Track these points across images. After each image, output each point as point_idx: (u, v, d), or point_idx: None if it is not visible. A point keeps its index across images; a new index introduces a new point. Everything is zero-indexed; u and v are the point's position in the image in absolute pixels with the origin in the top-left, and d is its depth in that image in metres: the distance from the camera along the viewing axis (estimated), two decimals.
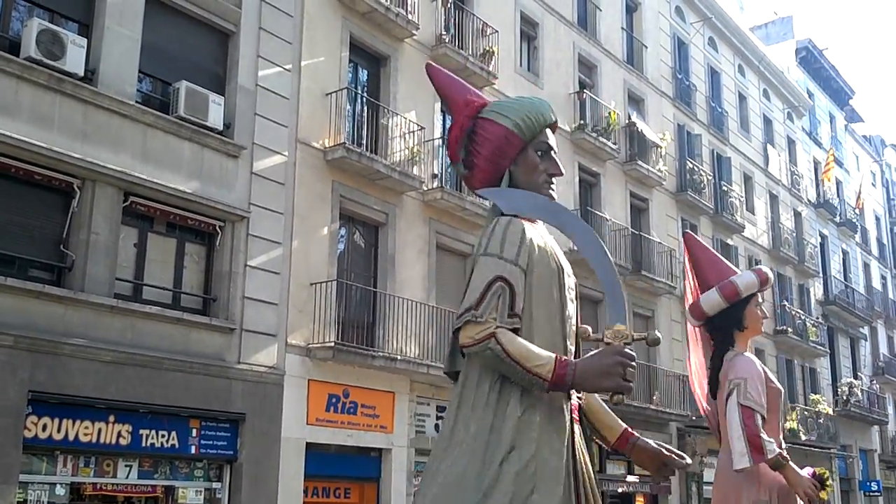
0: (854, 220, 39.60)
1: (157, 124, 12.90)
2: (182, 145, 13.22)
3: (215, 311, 13.55)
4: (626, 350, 2.48)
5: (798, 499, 4.16)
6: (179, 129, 13.11)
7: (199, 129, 13.35)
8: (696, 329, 4.80)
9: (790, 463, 4.14)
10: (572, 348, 2.75)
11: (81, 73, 12.01)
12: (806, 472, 4.22)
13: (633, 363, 2.44)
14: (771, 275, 4.76)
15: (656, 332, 2.43)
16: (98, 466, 11.85)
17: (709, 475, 24.81)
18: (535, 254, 2.70)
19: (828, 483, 4.20)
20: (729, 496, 4.31)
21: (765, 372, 4.44)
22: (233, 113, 14.14)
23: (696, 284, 4.79)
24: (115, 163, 12.17)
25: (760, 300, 4.64)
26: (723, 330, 4.57)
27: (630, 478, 22.21)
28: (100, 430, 11.72)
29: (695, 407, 24.35)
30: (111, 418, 11.84)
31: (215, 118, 13.62)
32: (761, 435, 4.10)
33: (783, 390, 4.44)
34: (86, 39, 12.23)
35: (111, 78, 12.47)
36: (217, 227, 13.70)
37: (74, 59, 11.85)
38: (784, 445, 4.35)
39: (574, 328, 2.78)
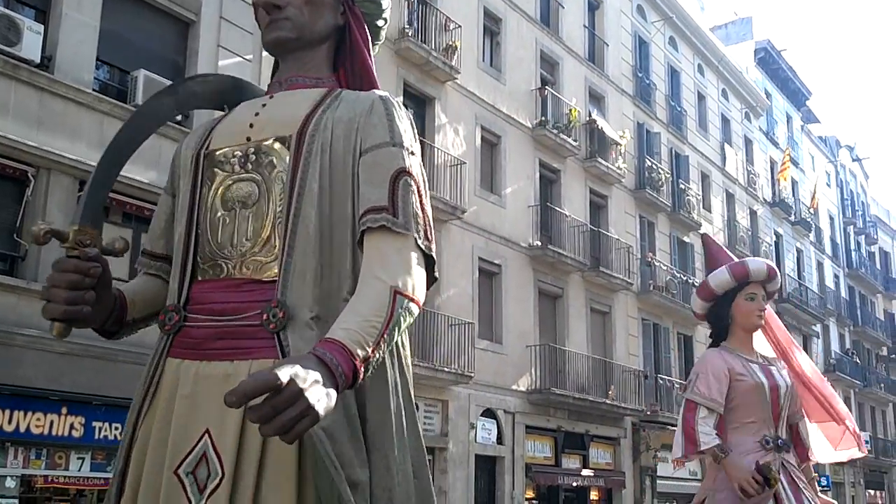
0: (808, 220, 40.29)
1: (115, 113, 12.73)
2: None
3: None
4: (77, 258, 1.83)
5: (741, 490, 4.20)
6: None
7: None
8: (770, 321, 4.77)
9: (729, 456, 4.17)
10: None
11: (38, 60, 11.82)
12: (748, 464, 4.21)
13: (94, 268, 1.82)
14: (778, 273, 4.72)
15: (122, 238, 1.91)
16: (49, 459, 11.73)
17: (662, 469, 25.18)
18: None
19: (772, 476, 4.26)
20: (704, 485, 4.45)
21: (747, 367, 4.41)
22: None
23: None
24: (71, 151, 12.00)
25: (762, 295, 4.57)
26: (716, 325, 4.61)
27: (585, 471, 22.44)
28: (52, 422, 11.60)
29: (649, 401, 24.69)
30: (63, 410, 11.71)
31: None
32: (696, 427, 4.19)
33: (766, 383, 4.42)
34: (42, 26, 12.03)
35: (68, 65, 12.29)
36: None
37: (30, 45, 11.65)
38: (783, 437, 4.38)
39: None
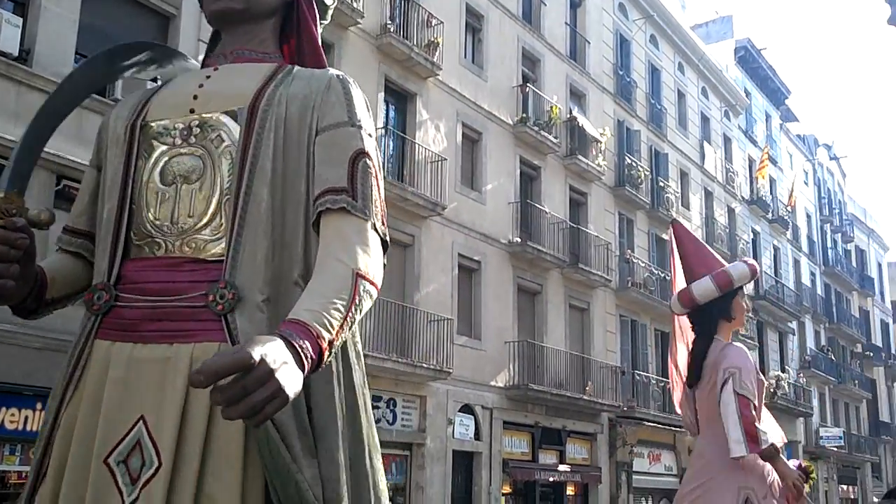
0: (786, 218, 40.60)
1: (93, 107, 12.56)
2: None
3: None
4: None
5: (779, 489, 4.21)
6: None
7: None
8: (680, 318, 4.81)
9: (780, 454, 4.19)
10: None
11: (16, 53, 11.76)
12: (792, 464, 4.28)
13: (21, 239, 1.71)
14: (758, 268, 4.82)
15: (48, 210, 1.79)
16: (24, 455, 11.67)
17: (638, 465, 25.37)
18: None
19: (812, 476, 4.28)
20: (715, 482, 4.29)
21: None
22: None
23: (683, 272, 4.80)
24: (48, 145, 11.83)
25: (745, 292, 4.69)
26: (709, 319, 4.59)
27: (562, 467, 22.58)
28: (26, 418, 11.56)
29: (626, 397, 24.84)
30: (38, 406, 11.66)
31: None
32: (757, 424, 4.14)
33: (766, 382, 4.53)
34: (21, 19, 11.96)
35: (46, 58, 12.20)
36: None
37: (9, 38, 11.59)
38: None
39: None
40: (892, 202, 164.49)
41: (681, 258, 4.86)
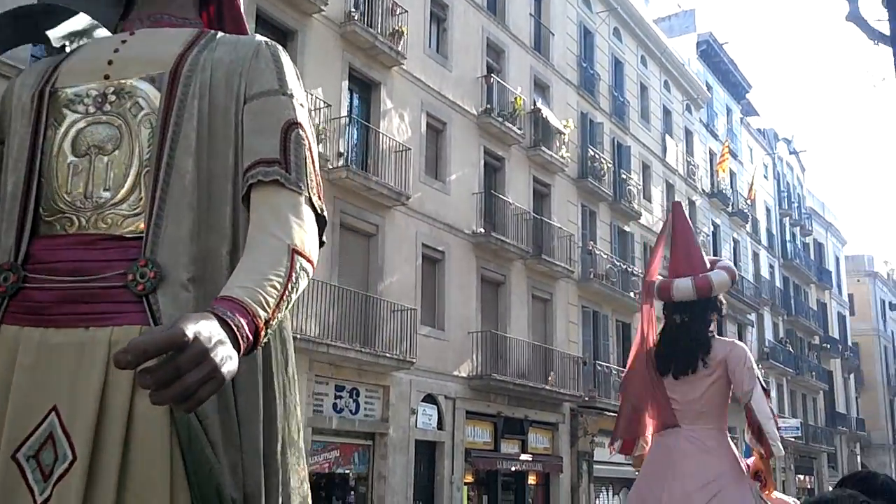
0: (745, 211, 41.09)
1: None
2: None
3: None
4: None
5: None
6: None
7: None
8: (651, 308, 4.82)
9: None
10: None
11: None
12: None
13: None
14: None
15: None
16: None
17: (599, 454, 25.58)
18: None
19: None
20: (729, 478, 4.30)
21: None
22: None
23: (669, 257, 4.84)
24: None
25: None
26: (703, 313, 4.64)
27: (523, 456, 22.70)
28: None
29: (588, 387, 25.01)
30: None
31: None
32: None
33: None
34: None
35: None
36: None
37: None
38: None
39: None
40: (851, 196, 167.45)
41: (671, 243, 4.88)
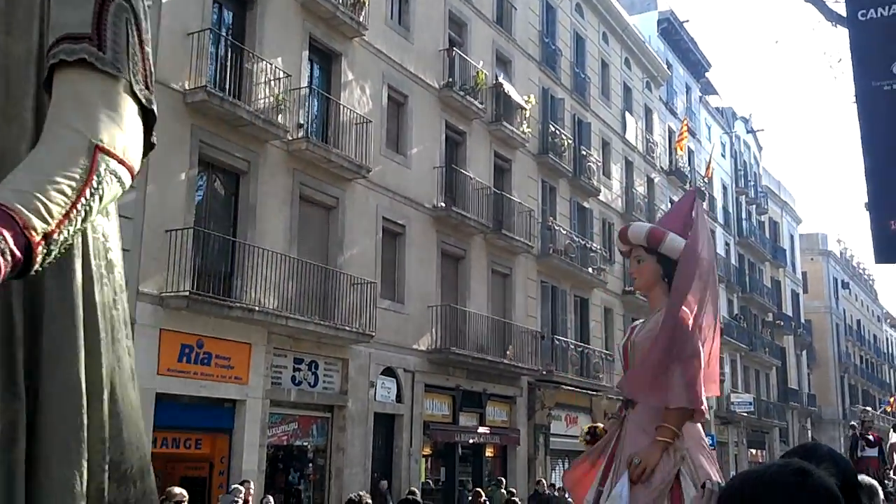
0: (703, 189, 41.46)
1: None
2: None
3: None
4: None
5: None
6: None
7: None
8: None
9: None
10: None
11: None
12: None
13: None
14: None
15: None
16: None
17: (556, 427, 25.88)
18: None
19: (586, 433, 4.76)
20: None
21: (630, 331, 4.82)
22: None
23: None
24: None
25: (636, 257, 4.73)
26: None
27: (481, 429, 22.86)
28: None
29: (545, 361, 25.21)
30: None
31: None
32: None
33: (622, 342, 4.83)
34: None
35: None
36: None
37: None
38: None
39: None
40: (806, 176, 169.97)
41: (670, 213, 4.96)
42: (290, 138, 17.21)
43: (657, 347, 4.24)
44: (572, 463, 4.80)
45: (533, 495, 20.52)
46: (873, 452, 13.40)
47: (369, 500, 6.02)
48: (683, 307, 4.28)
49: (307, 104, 18.29)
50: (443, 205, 21.82)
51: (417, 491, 18.13)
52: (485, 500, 18.76)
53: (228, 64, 16.38)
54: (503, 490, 19.41)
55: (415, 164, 21.41)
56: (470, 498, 19.32)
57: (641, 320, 4.85)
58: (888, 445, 13.50)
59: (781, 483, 1.41)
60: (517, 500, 18.32)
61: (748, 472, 1.50)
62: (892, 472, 12.71)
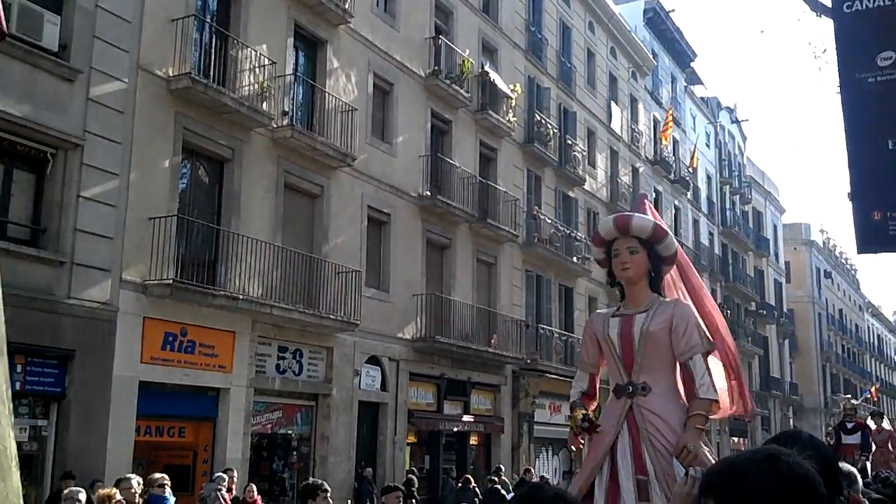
0: (687, 179, 41.66)
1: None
2: (12, 66, 12.43)
3: (44, 242, 12.95)
4: None
5: None
6: (10, 49, 12.30)
7: (32, 50, 12.60)
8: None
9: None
10: None
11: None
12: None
13: None
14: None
15: None
16: None
17: (539, 415, 25.97)
18: None
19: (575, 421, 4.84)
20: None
21: (606, 323, 4.98)
22: (70, 34, 13.35)
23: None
24: None
25: (626, 248, 4.84)
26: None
27: (466, 417, 22.92)
28: None
29: (530, 350, 25.26)
30: None
31: (50, 38, 12.88)
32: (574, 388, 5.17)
33: (615, 335, 4.87)
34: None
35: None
36: (48, 155, 13.05)
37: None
38: (638, 382, 4.66)
39: None
40: (790, 166, 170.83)
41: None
42: (275, 126, 17.14)
43: (732, 356, 5.04)
44: (574, 483, 4.80)
45: (519, 482, 20.60)
46: (853, 440, 13.52)
47: (327, 487, 6.07)
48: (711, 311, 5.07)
49: (292, 92, 18.21)
50: (428, 193, 21.80)
51: (414, 479, 18.36)
52: (474, 487, 18.85)
53: (213, 50, 16.26)
54: (504, 478, 19.16)
55: (400, 152, 21.37)
56: (460, 485, 19.38)
57: (616, 309, 4.87)
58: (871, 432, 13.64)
59: (752, 469, 1.50)
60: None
61: (724, 459, 1.58)
62: (868, 460, 12.83)
